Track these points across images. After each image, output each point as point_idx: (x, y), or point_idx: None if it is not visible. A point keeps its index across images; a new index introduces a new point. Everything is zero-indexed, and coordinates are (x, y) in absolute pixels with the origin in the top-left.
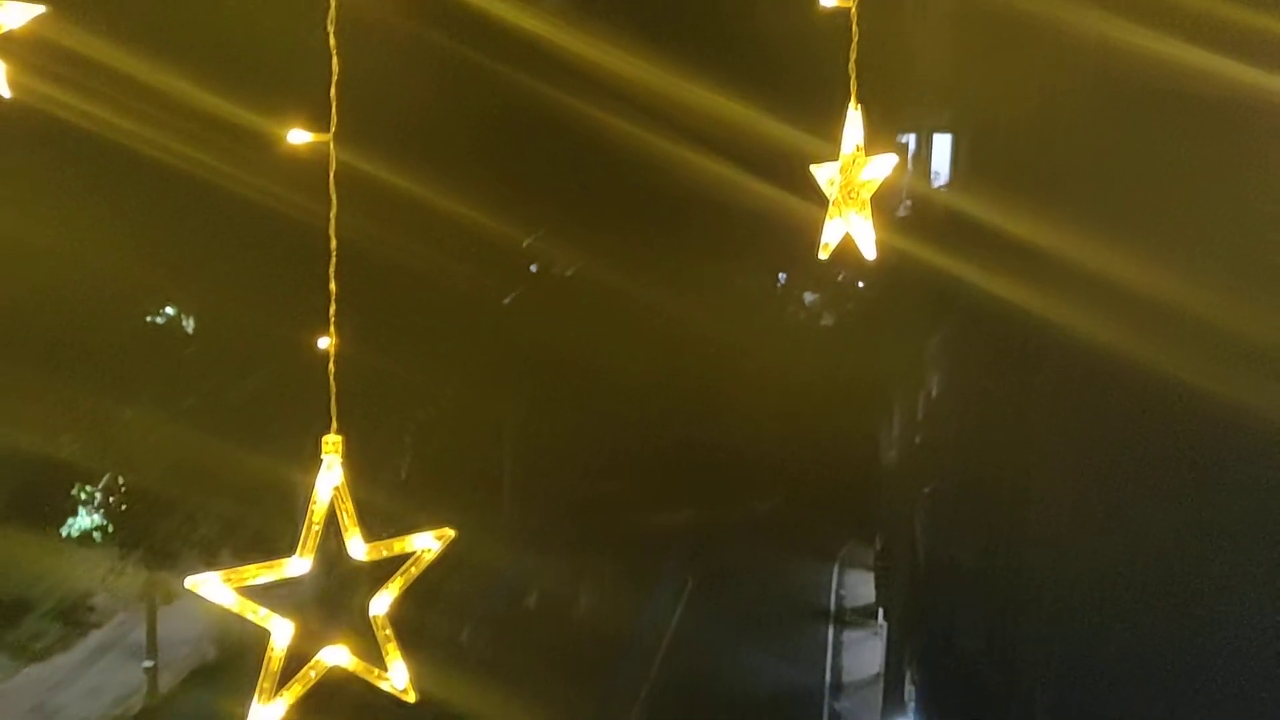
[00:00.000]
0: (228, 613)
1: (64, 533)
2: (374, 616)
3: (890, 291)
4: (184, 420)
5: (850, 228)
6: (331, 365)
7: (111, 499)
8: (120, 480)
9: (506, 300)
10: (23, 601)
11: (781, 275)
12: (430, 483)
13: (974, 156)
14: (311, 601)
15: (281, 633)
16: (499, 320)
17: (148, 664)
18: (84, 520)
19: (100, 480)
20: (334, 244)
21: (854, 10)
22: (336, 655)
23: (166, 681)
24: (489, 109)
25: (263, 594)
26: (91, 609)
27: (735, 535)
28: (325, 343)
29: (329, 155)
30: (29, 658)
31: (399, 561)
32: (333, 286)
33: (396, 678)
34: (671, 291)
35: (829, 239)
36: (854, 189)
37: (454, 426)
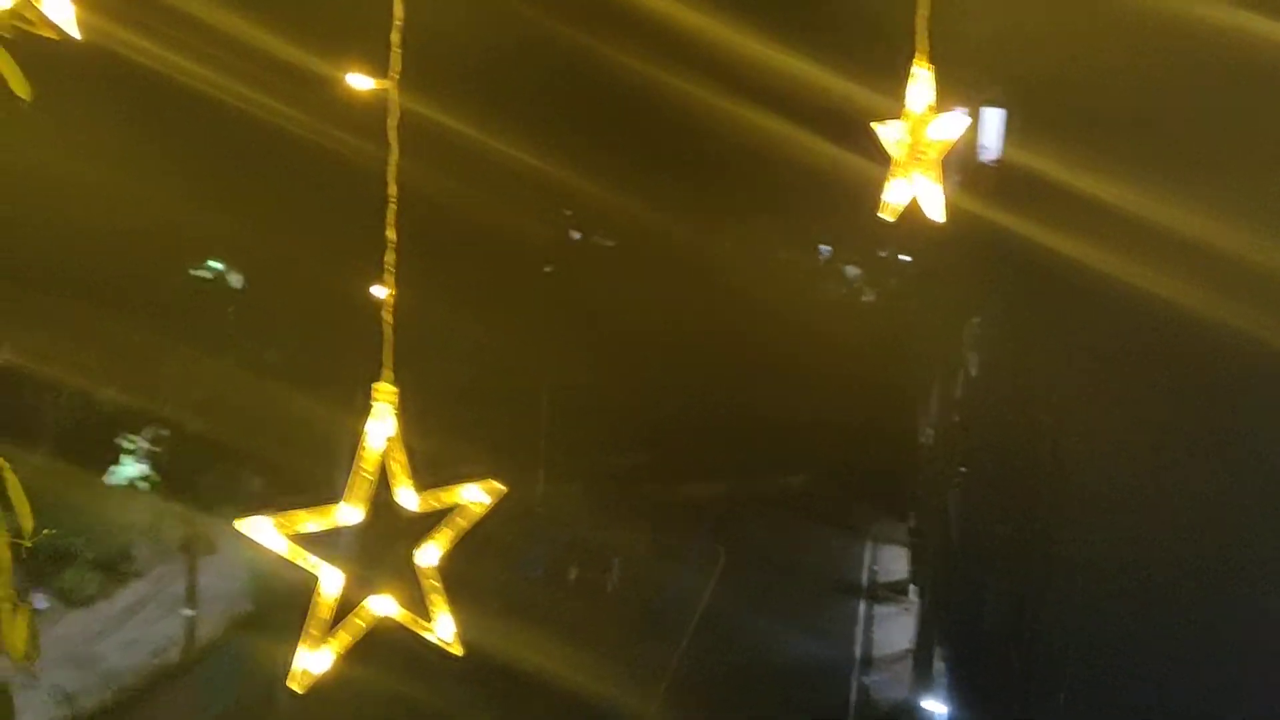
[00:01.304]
0: (271, 562)
1: (108, 481)
2: (421, 567)
3: (933, 268)
4: (230, 373)
5: (916, 189)
6: (388, 314)
7: (158, 449)
8: (165, 431)
9: (548, 269)
10: (67, 549)
11: (824, 249)
12: (466, 445)
13: (1023, 132)
14: (360, 550)
15: (330, 580)
16: (542, 285)
17: (188, 613)
18: (129, 469)
19: (146, 430)
20: (393, 191)
21: None
22: (383, 604)
23: (205, 633)
24: (548, 61)
25: (312, 541)
26: (133, 559)
27: (768, 509)
28: (383, 292)
29: (390, 101)
30: (72, 604)
31: (447, 513)
32: (391, 234)
33: (442, 629)
34: (711, 265)
35: (892, 199)
36: (922, 149)
37: (495, 388)
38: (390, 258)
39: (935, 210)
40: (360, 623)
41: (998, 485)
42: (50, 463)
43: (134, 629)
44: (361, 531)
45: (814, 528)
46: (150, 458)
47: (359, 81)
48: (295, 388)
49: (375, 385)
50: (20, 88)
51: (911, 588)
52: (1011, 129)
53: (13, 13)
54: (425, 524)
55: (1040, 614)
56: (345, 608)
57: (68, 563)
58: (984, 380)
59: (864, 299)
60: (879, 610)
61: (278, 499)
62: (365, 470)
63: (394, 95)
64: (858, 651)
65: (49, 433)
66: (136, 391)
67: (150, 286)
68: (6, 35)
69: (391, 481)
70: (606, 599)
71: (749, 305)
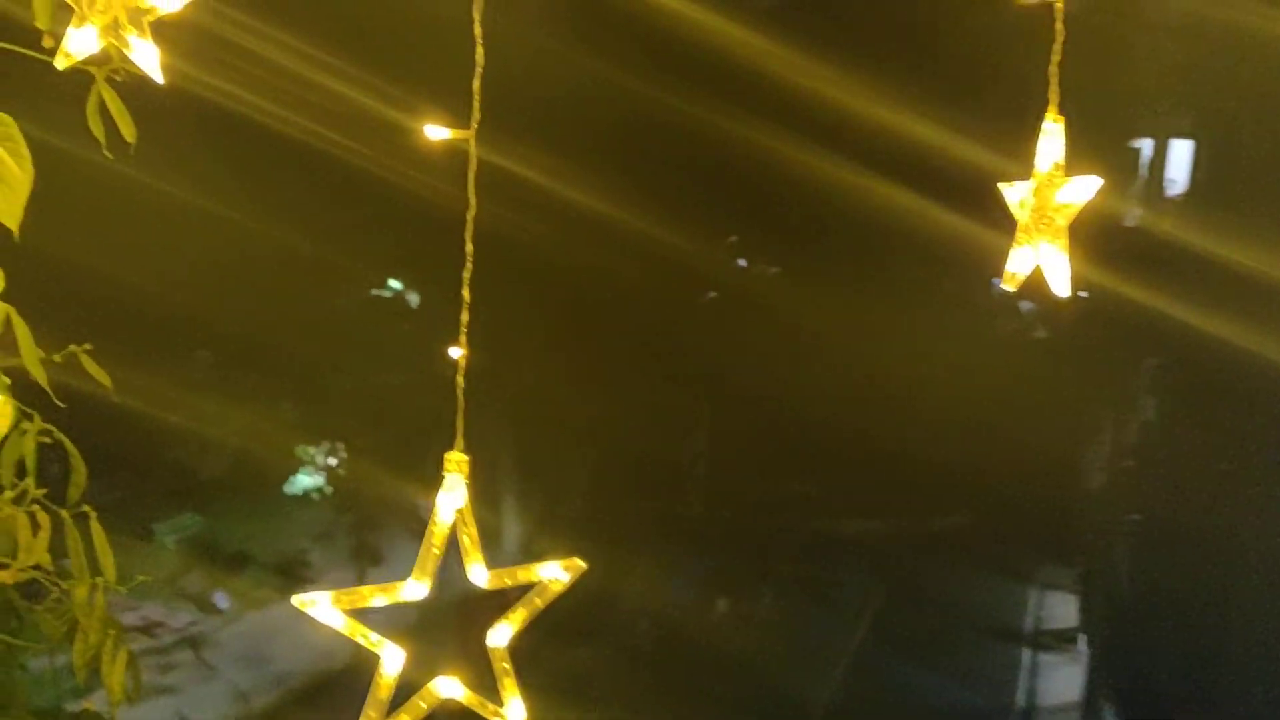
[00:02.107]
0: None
1: (287, 490)
2: (493, 648)
3: (1111, 305)
4: (397, 390)
5: (1041, 258)
6: (460, 378)
7: (331, 462)
8: (339, 445)
9: (711, 294)
10: (246, 552)
11: (996, 282)
12: (619, 477)
13: (1215, 165)
14: (426, 628)
15: (392, 659)
16: (703, 312)
17: None
18: (305, 480)
19: (321, 443)
20: (470, 249)
21: (1058, 5)
22: (449, 686)
23: (401, 619)
24: (649, 116)
25: (375, 617)
26: (308, 564)
27: (927, 548)
28: (457, 353)
29: (469, 153)
30: (250, 605)
31: (522, 591)
32: (466, 294)
33: (513, 715)
34: (873, 293)
35: (1016, 268)
36: (1048, 213)
37: (650, 409)
38: (464, 317)
39: (1060, 283)
40: (423, 704)
41: (1172, 535)
42: (233, 471)
43: (306, 632)
44: (429, 608)
45: (975, 569)
46: (325, 470)
47: (435, 132)
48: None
49: (447, 455)
50: (128, 131)
51: (1080, 637)
52: (1199, 161)
53: (108, 57)
54: (497, 601)
55: (1218, 678)
56: (408, 688)
57: (247, 565)
58: (1160, 426)
59: (1036, 335)
60: (1043, 659)
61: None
62: (433, 544)
63: (473, 146)
64: (1020, 701)
65: (232, 442)
66: (315, 405)
67: (330, 305)
68: (118, 78)
69: (463, 556)
70: (754, 631)
71: (914, 337)
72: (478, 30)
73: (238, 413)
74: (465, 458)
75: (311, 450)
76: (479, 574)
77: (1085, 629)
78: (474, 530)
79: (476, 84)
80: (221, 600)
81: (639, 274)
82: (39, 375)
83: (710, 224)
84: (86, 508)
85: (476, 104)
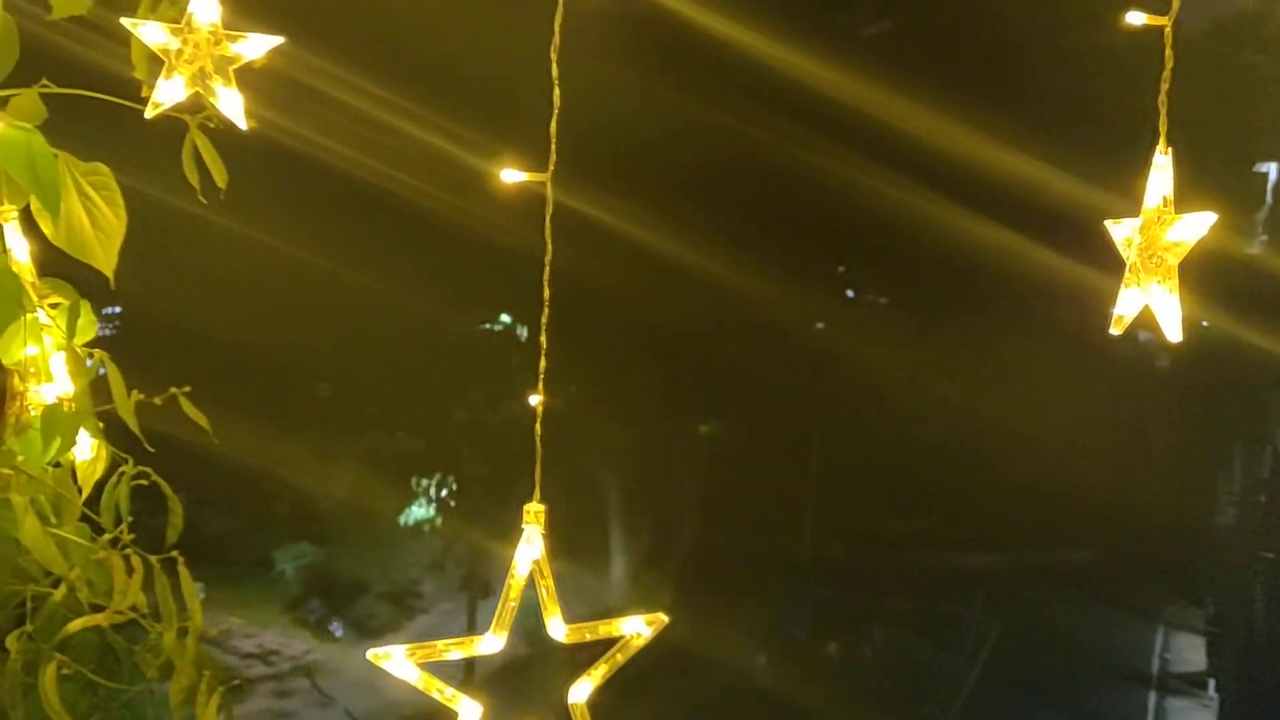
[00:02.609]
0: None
1: (401, 521)
2: (572, 704)
3: (1238, 334)
4: (507, 423)
5: (1150, 299)
6: (539, 426)
7: (443, 493)
8: (450, 477)
9: (820, 325)
10: (362, 582)
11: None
12: (728, 512)
13: None
14: (504, 682)
15: (469, 714)
16: (812, 343)
17: None
18: (419, 512)
19: (435, 475)
20: (547, 294)
21: (1168, 29)
22: None
23: (482, 669)
24: (746, 153)
25: (451, 671)
26: (420, 595)
27: (1046, 584)
28: (535, 400)
29: (546, 196)
30: (365, 633)
31: (603, 646)
32: (543, 340)
33: None
34: (987, 321)
35: (1123, 311)
36: (1157, 252)
37: (760, 443)
38: (542, 364)
39: (1171, 326)
40: None
41: None
42: (349, 502)
43: None
44: (507, 662)
45: (1097, 607)
46: (436, 502)
47: (511, 176)
48: (576, 434)
49: (526, 507)
50: (220, 176)
51: (1210, 681)
52: None
53: (201, 105)
54: (575, 655)
55: None
56: None
57: (362, 594)
58: None
59: (1158, 364)
60: (1170, 704)
61: (552, 549)
62: (510, 597)
63: (549, 190)
64: None
65: (349, 474)
66: (428, 437)
67: (440, 340)
68: (211, 124)
69: (541, 610)
70: (867, 667)
71: (1033, 367)
72: (554, 71)
73: (355, 445)
74: (542, 508)
75: (425, 482)
76: (557, 628)
77: (1215, 673)
78: (551, 583)
79: (553, 126)
80: (337, 628)
81: (743, 310)
82: (130, 421)
83: (815, 258)
84: (175, 553)
85: (553, 146)
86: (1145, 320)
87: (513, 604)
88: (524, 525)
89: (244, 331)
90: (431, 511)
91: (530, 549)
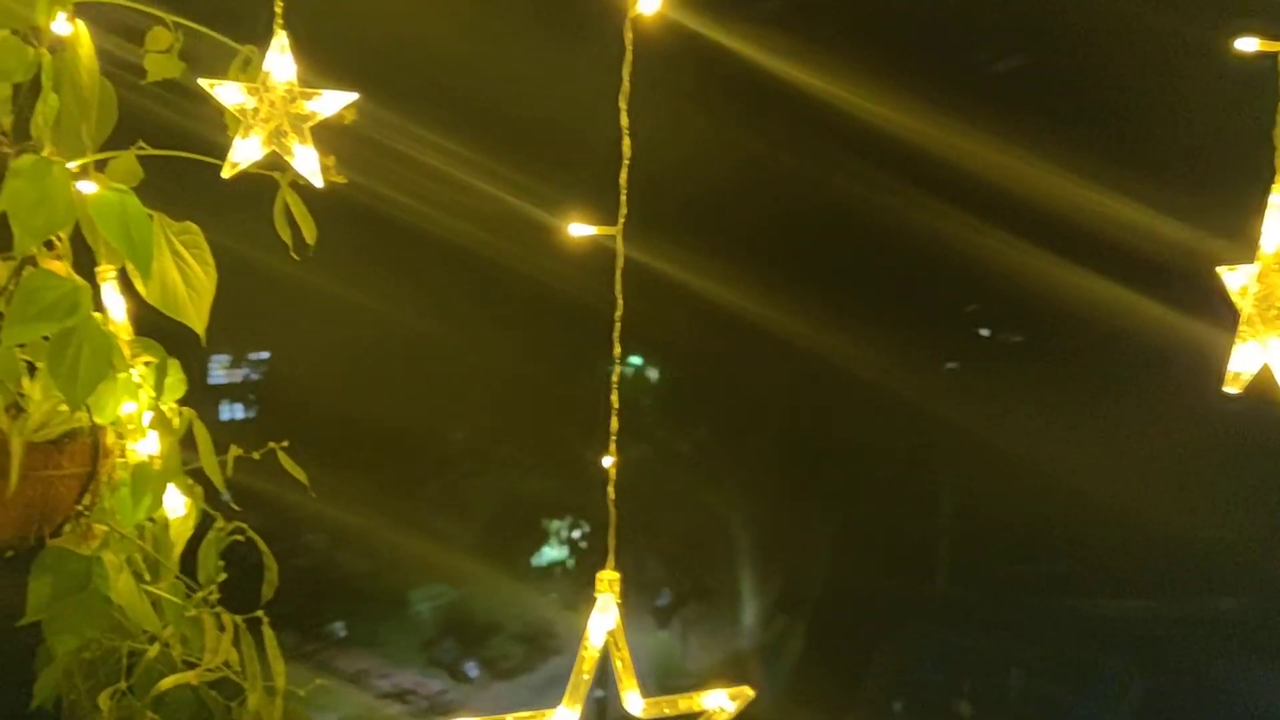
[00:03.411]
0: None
1: (534, 563)
2: None
3: None
4: (638, 465)
5: (1270, 355)
6: (611, 489)
7: (575, 535)
8: (582, 519)
9: (951, 365)
10: (496, 623)
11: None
12: (858, 553)
13: None
14: None
15: None
16: (944, 382)
17: (599, 694)
18: (551, 553)
19: (566, 517)
20: (617, 351)
21: None
22: None
23: (614, 713)
24: (807, 208)
25: None
26: (554, 635)
27: (1193, 633)
28: (608, 462)
29: (616, 250)
30: (498, 674)
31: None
32: (614, 399)
33: None
34: (1120, 360)
35: (1239, 367)
36: (1276, 303)
37: (881, 498)
38: (614, 424)
39: None
40: None
41: None
42: (484, 541)
43: (551, 702)
44: None
45: (1250, 658)
46: (569, 543)
47: (580, 230)
48: (705, 478)
49: (598, 575)
50: (309, 233)
51: None
52: None
53: (273, 164)
54: None
55: None
56: None
57: (496, 635)
58: None
59: None
60: None
61: (679, 593)
62: (584, 670)
63: (620, 243)
64: None
65: (483, 515)
66: (560, 479)
67: (569, 383)
68: (301, 182)
69: (617, 682)
70: (1005, 715)
71: (1170, 404)
72: (624, 120)
73: (488, 487)
74: (617, 576)
75: (556, 524)
76: (634, 702)
77: None
78: (627, 654)
79: (623, 177)
80: (472, 669)
81: (871, 349)
82: (216, 478)
83: (917, 309)
84: (259, 613)
85: (623, 198)
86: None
87: (586, 676)
88: (597, 594)
89: (378, 378)
90: (564, 553)
91: (605, 619)
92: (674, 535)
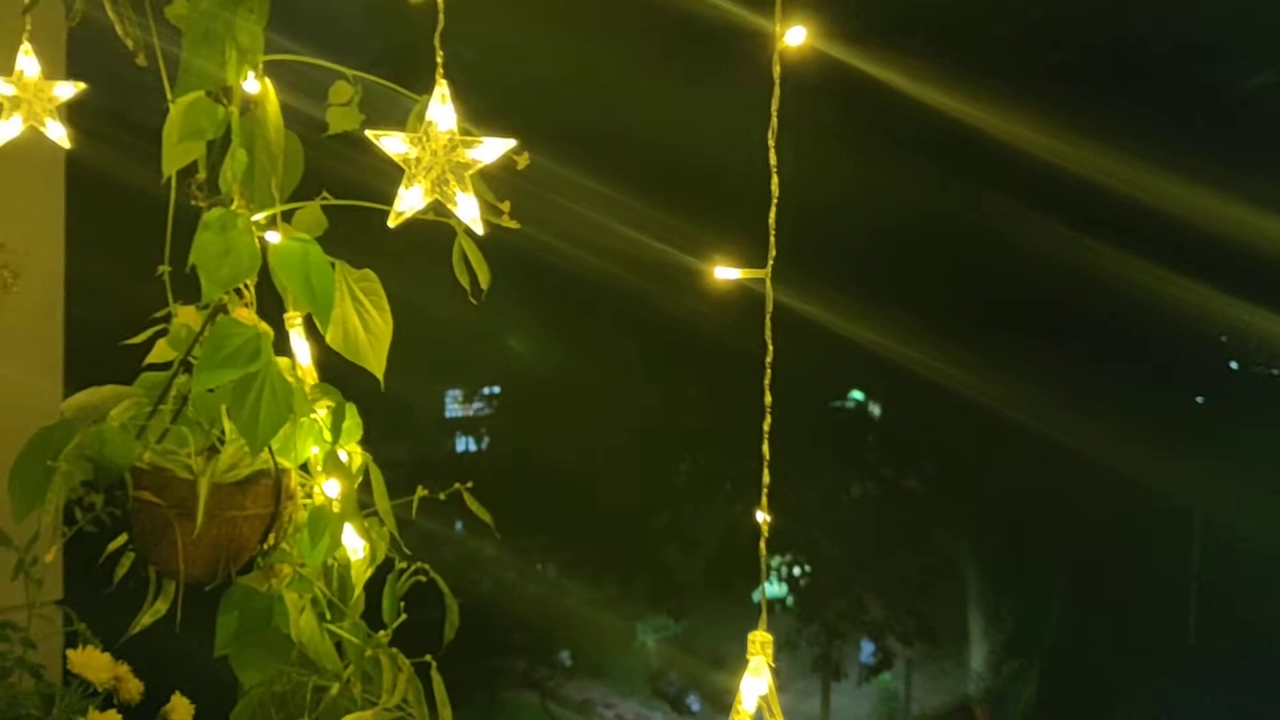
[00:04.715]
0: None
1: (755, 598)
2: None
3: None
4: (860, 503)
5: None
6: (763, 545)
7: (795, 572)
8: (803, 556)
9: (1200, 399)
10: (719, 657)
11: None
12: (1100, 600)
13: None
14: None
15: None
16: (1177, 432)
17: None
18: (771, 589)
19: (787, 554)
20: (769, 400)
21: None
22: None
23: None
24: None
25: None
26: (775, 671)
27: None
28: (761, 518)
29: (765, 294)
30: (719, 709)
31: None
32: (765, 449)
33: None
34: None
35: None
36: None
37: (1123, 543)
38: (765, 477)
39: None
40: None
41: None
42: (706, 576)
43: None
44: None
45: None
46: (789, 580)
47: (726, 273)
48: (933, 515)
49: (751, 636)
50: (484, 278)
51: None
52: None
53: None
54: None
55: None
56: None
57: (718, 669)
58: None
59: None
60: None
61: (902, 633)
62: None
63: (769, 287)
64: None
65: (705, 552)
66: (782, 514)
67: (790, 417)
68: (478, 232)
69: None
70: None
71: None
72: (772, 158)
73: (712, 522)
74: (769, 638)
75: (777, 560)
76: None
77: None
78: (780, 718)
79: (772, 217)
80: (694, 702)
81: (1119, 392)
82: (390, 523)
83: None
84: (428, 657)
85: (772, 238)
86: None
87: None
88: (749, 657)
89: (604, 411)
90: (784, 589)
91: (758, 683)
92: (898, 574)
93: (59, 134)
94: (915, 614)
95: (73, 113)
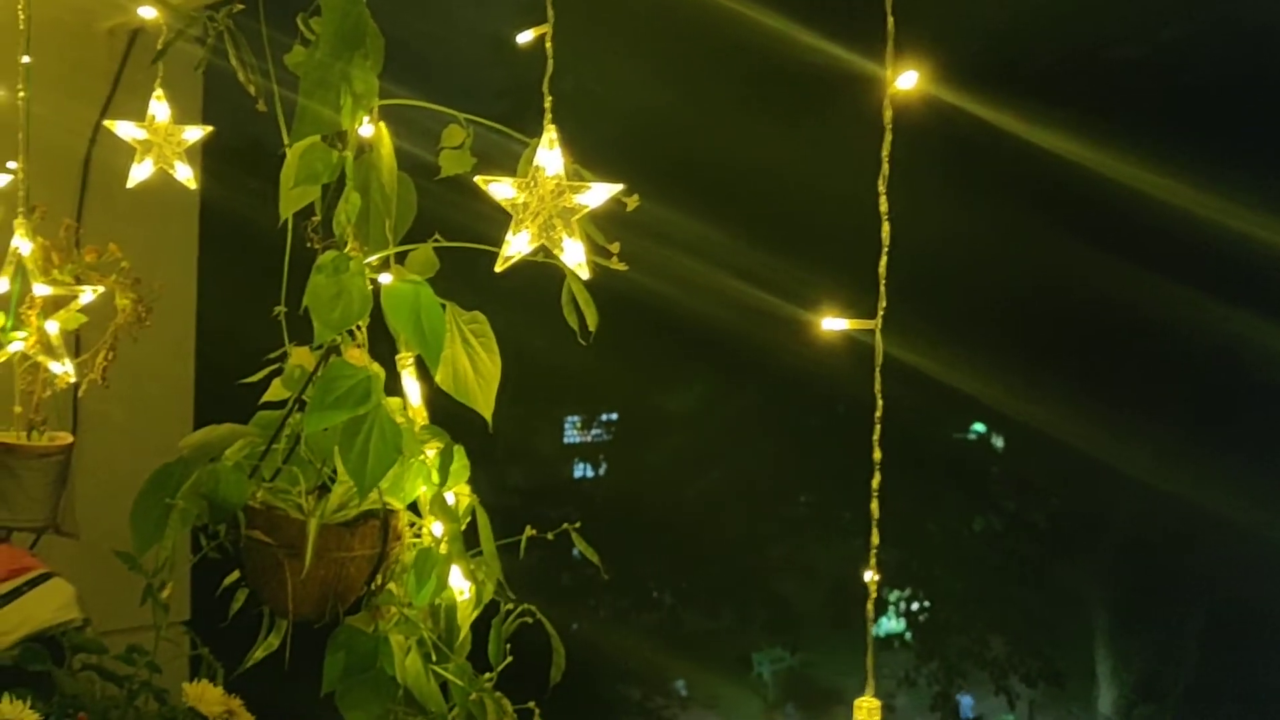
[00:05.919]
0: None
1: (875, 632)
2: None
3: None
4: (986, 538)
5: None
6: (870, 606)
7: (914, 607)
8: (921, 591)
9: None
10: (835, 691)
11: None
12: (1230, 641)
13: None
14: None
15: None
16: None
17: None
18: (889, 624)
19: (906, 588)
20: (878, 456)
21: None
22: None
23: None
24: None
25: None
26: (893, 709)
27: None
28: (869, 576)
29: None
30: None
31: None
32: (874, 508)
33: None
34: None
35: None
36: None
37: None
38: (875, 537)
39: None
40: None
41: None
42: (824, 608)
43: None
44: None
45: None
46: (907, 615)
47: (834, 325)
48: (1059, 552)
49: (857, 702)
50: (592, 320)
51: None
52: None
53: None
54: None
55: None
56: None
57: (835, 703)
58: None
59: None
60: None
61: (1026, 675)
62: None
63: (878, 339)
64: None
65: (823, 585)
66: (901, 548)
67: (914, 449)
68: (584, 276)
69: None
70: None
71: None
72: (883, 205)
73: (831, 555)
74: (877, 704)
75: (896, 594)
76: None
77: None
78: None
79: (882, 266)
80: None
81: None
82: (495, 566)
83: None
84: (532, 703)
85: (882, 288)
86: None
87: None
88: (855, 714)
89: (724, 443)
90: (902, 625)
91: None
92: (1022, 611)
93: (186, 175)
94: (1040, 654)
95: (208, 157)
